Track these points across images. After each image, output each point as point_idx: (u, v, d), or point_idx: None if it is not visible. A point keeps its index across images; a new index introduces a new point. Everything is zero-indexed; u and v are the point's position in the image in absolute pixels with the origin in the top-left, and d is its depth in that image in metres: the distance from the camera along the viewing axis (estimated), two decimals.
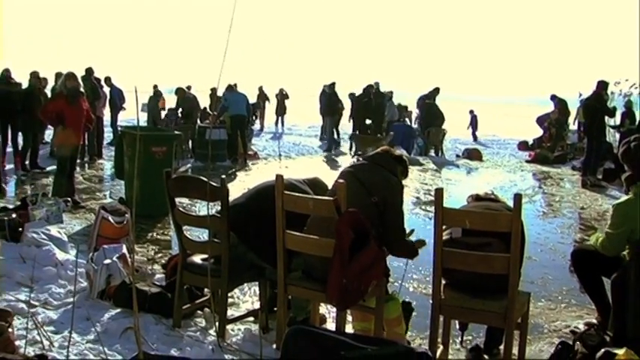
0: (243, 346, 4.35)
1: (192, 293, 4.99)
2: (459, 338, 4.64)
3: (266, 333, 4.59)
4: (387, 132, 18.74)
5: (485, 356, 4.44)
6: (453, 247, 3.84)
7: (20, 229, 6.23)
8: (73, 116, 8.71)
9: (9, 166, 11.95)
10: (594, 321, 4.94)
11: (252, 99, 22.08)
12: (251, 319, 4.90)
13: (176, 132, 10.59)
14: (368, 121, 19.07)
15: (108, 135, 17.03)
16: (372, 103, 18.72)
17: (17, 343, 3.94)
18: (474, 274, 3.80)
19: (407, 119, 22.30)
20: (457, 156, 18.66)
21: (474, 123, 24.97)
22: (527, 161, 17.91)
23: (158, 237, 7.58)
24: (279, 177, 4.05)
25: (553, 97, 19.89)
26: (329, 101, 19.26)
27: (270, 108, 26.76)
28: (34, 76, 12.62)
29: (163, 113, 18.53)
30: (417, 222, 9.07)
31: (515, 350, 4.02)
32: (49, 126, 9.55)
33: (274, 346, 4.28)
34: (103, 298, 5.00)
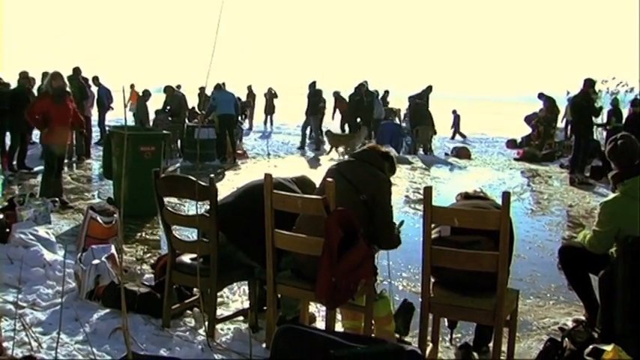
0: (232, 346, 4.34)
1: (182, 293, 4.97)
2: (449, 336, 4.65)
3: (255, 332, 4.59)
4: (376, 130, 18.79)
5: (475, 354, 4.45)
6: (442, 245, 3.84)
7: (8, 229, 6.20)
8: (59, 116, 8.67)
9: None
10: (582, 318, 4.97)
11: (243, 98, 22.14)
12: (240, 318, 4.89)
13: (164, 131, 10.56)
14: (357, 120, 19.08)
15: (96, 135, 16.96)
16: (364, 101, 18.75)
17: (5, 344, 3.92)
18: (463, 272, 3.81)
19: (396, 118, 22.35)
20: (446, 154, 18.70)
21: (456, 122, 25.02)
22: (515, 159, 17.99)
23: (147, 237, 7.55)
24: (267, 176, 4.05)
25: (540, 96, 19.97)
26: (311, 100, 19.24)
27: (259, 107, 26.76)
28: (23, 76, 12.56)
29: (152, 113, 18.45)
30: (406, 220, 9.08)
31: (504, 347, 4.04)
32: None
33: (264, 345, 4.28)
34: (92, 298, 4.98)
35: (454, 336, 4.66)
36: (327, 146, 18.71)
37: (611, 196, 4.60)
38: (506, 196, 3.58)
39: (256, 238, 4.14)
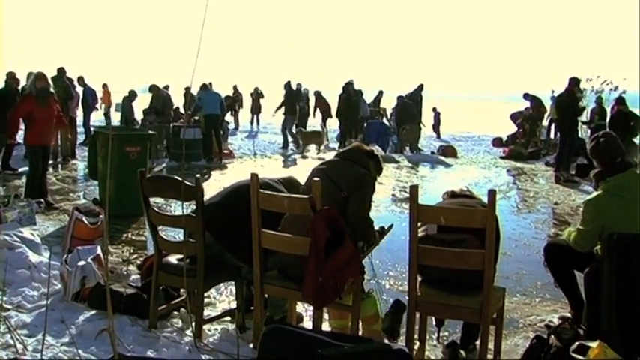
0: (219, 346, 4.33)
1: (168, 294, 4.96)
2: (436, 334, 4.66)
3: (243, 332, 4.58)
4: (362, 130, 18.85)
5: (462, 352, 4.46)
6: (428, 243, 3.85)
7: None
8: (43, 117, 8.62)
9: None
10: (568, 315, 5.00)
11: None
12: (228, 318, 4.88)
13: (150, 131, 10.52)
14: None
15: (81, 135, 16.87)
16: (353, 100, 18.78)
17: None
18: (449, 271, 3.82)
19: (383, 118, 22.39)
20: (432, 153, 18.74)
21: (437, 121, 25.06)
22: (501, 158, 18.07)
23: (133, 237, 7.52)
24: (254, 176, 4.04)
25: (526, 96, 20.10)
26: (287, 100, 19.21)
27: (245, 106, 26.72)
28: (10, 76, 12.47)
29: (138, 113, 18.38)
30: (393, 219, 9.12)
31: (491, 345, 4.05)
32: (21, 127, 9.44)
33: (251, 345, 4.27)
34: (78, 300, 4.95)
35: (441, 334, 4.68)
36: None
37: (594, 194, 4.62)
38: (491, 194, 3.60)
39: (243, 238, 4.13)
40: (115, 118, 17.67)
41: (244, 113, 26.62)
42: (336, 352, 3.31)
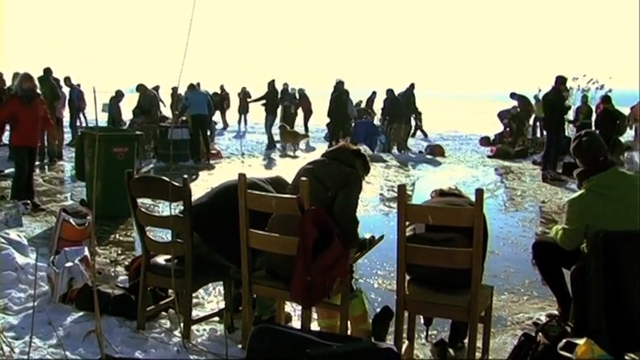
0: (208, 347, 4.32)
1: (156, 294, 4.94)
2: (424, 333, 4.67)
3: (231, 333, 4.57)
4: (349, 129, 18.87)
5: (450, 350, 4.48)
6: (416, 243, 3.86)
7: None
8: (28, 118, 8.57)
9: None
10: (555, 312, 5.02)
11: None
12: (216, 319, 4.87)
13: (137, 132, 10.48)
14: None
15: (67, 136, 16.79)
16: (343, 99, 18.80)
17: None
18: (437, 269, 3.83)
19: (373, 118, 22.43)
20: (420, 152, 18.78)
21: (418, 119, 25.07)
22: (488, 156, 18.13)
23: (121, 238, 7.49)
24: (241, 176, 4.04)
25: (513, 95, 20.20)
26: (269, 99, 19.21)
27: (233, 106, 26.67)
28: None
29: (126, 112, 18.29)
30: (381, 218, 9.14)
31: (479, 343, 4.07)
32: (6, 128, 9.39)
33: (240, 345, 4.26)
34: (65, 301, 4.93)
35: (430, 333, 4.69)
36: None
37: (578, 193, 4.64)
38: (479, 193, 3.61)
39: (231, 239, 4.12)
40: (102, 119, 17.55)
41: (232, 113, 26.57)
42: (324, 352, 3.31)
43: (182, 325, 4.42)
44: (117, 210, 7.81)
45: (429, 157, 17.81)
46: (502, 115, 21.14)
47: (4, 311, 4.80)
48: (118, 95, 18.11)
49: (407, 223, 3.88)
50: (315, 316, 4.53)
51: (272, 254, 4.04)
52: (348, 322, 4.20)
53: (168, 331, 4.58)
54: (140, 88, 16.88)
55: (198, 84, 18.19)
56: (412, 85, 19.36)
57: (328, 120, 19.16)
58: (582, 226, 4.37)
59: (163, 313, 4.88)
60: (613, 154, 12.41)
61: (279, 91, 19.71)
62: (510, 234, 8.39)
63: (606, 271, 4.03)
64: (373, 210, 9.66)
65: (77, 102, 16.66)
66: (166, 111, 20.06)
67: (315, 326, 4.47)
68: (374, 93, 23.70)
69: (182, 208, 4.37)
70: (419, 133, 23.04)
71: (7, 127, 9.19)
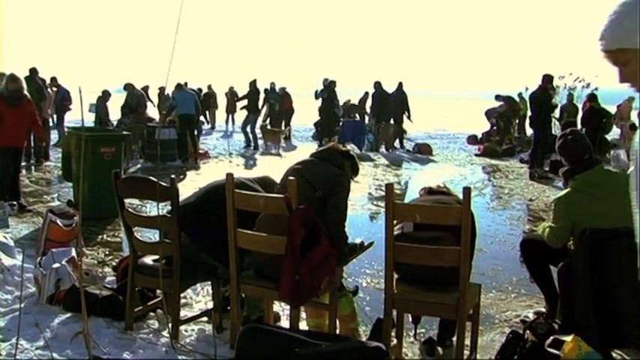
0: (197, 347, 4.31)
1: (144, 295, 4.92)
2: (413, 331, 4.68)
3: (220, 333, 4.56)
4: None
5: (439, 348, 4.49)
6: (404, 241, 3.86)
7: None
8: (13, 119, 8.52)
9: None
10: (543, 310, 5.04)
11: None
12: (204, 319, 4.86)
13: (124, 132, 10.44)
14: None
15: (54, 136, 16.70)
16: (335, 99, 18.83)
17: None
18: (425, 268, 3.83)
19: (357, 115, 22.44)
20: (408, 151, 18.82)
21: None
22: (476, 155, 18.21)
23: (108, 239, 7.46)
24: (229, 175, 4.03)
25: (497, 97, 20.33)
26: (250, 98, 19.23)
27: (220, 106, 26.63)
28: None
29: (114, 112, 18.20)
30: (369, 217, 9.14)
31: (467, 341, 4.07)
32: None
33: (228, 345, 4.25)
34: (53, 303, 4.90)
35: (418, 331, 4.70)
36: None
37: (564, 191, 4.66)
38: (466, 191, 3.62)
39: (219, 238, 4.12)
40: (89, 119, 17.46)
41: (220, 113, 26.52)
42: (313, 351, 3.31)
43: (170, 325, 4.40)
44: (104, 210, 7.78)
45: (417, 155, 17.85)
46: (489, 114, 21.23)
47: None
48: (105, 95, 18.03)
49: (395, 221, 3.89)
50: (303, 315, 4.53)
51: (260, 254, 4.04)
52: (337, 321, 4.21)
53: (156, 332, 4.57)
54: (128, 87, 16.81)
55: (186, 83, 18.14)
56: (400, 84, 19.38)
57: (316, 119, 19.19)
58: (569, 224, 4.40)
59: (151, 313, 4.87)
60: (599, 152, 12.49)
61: (262, 90, 19.76)
62: (498, 232, 8.42)
63: (593, 268, 4.06)
64: (361, 209, 9.67)
65: (62, 102, 16.52)
66: (154, 112, 19.99)
67: (303, 325, 4.47)
68: (366, 94, 23.78)
69: (170, 208, 4.36)
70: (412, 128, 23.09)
71: None
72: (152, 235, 6.23)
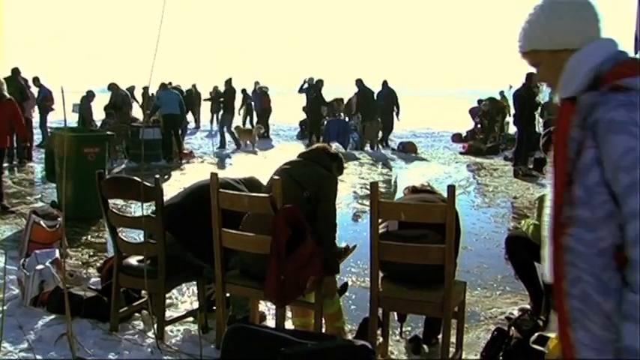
0: (182, 347, 4.30)
1: (129, 296, 4.90)
2: (398, 329, 4.69)
3: (205, 333, 4.55)
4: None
5: (425, 346, 4.51)
6: (389, 240, 3.87)
7: None
8: None
9: None
10: (528, 307, 5.07)
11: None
12: (190, 319, 4.85)
13: (108, 132, 10.39)
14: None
15: (37, 137, 16.59)
16: (321, 98, 18.82)
17: None
18: (411, 266, 3.84)
19: (342, 114, 22.45)
20: (392, 149, 18.85)
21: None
22: (461, 153, 18.26)
23: (93, 240, 7.42)
24: (213, 175, 4.02)
25: (480, 102, 20.53)
26: (226, 98, 19.22)
27: (205, 106, 26.55)
28: None
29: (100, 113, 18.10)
30: (355, 216, 9.15)
31: (453, 339, 4.09)
32: None
33: (214, 345, 4.25)
34: (37, 304, 4.87)
35: (404, 329, 4.72)
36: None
37: (548, 188, 4.69)
38: (451, 189, 3.63)
39: (204, 238, 4.11)
40: (72, 119, 17.34)
41: (205, 112, 26.43)
42: (299, 350, 3.31)
43: (156, 326, 4.39)
44: (88, 211, 7.76)
45: (402, 154, 17.89)
46: (474, 112, 21.32)
47: None
48: (89, 95, 17.92)
49: (380, 220, 3.89)
50: (289, 314, 4.53)
51: (245, 253, 4.04)
52: (323, 320, 4.21)
53: (141, 333, 4.55)
54: (112, 86, 16.73)
55: (170, 83, 18.06)
56: (385, 82, 19.37)
57: (301, 119, 19.19)
58: None
59: (137, 314, 4.85)
60: None
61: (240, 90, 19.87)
62: (483, 230, 8.45)
63: None
64: (346, 208, 9.67)
65: (44, 102, 16.42)
66: (139, 112, 19.90)
67: (289, 325, 4.47)
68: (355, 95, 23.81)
69: (154, 208, 4.35)
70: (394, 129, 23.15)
71: None
72: (137, 236, 6.20)
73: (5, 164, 10.06)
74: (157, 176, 4.37)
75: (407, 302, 3.93)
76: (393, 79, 19.47)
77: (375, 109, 18.56)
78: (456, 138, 21.62)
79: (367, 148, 18.49)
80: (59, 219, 6.39)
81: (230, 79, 19.25)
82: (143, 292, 4.88)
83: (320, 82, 18.82)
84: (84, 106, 17.80)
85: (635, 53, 10.02)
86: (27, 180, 12.00)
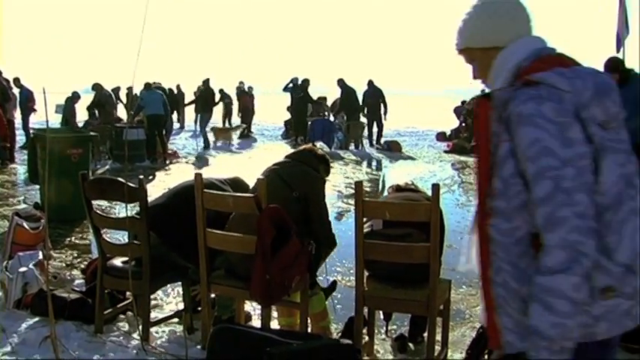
0: (168, 348, 4.29)
1: (114, 297, 4.87)
2: (384, 328, 4.70)
3: (191, 334, 4.54)
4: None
5: (410, 344, 4.52)
6: (374, 239, 3.88)
7: None
8: None
9: None
10: None
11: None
12: (175, 320, 4.83)
13: (92, 133, 10.33)
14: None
15: (21, 138, 16.47)
16: (309, 98, 18.83)
17: None
18: (396, 265, 3.85)
19: (326, 113, 22.46)
20: (377, 148, 18.88)
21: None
22: (445, 152, 18.33)
23: (77, 241, 7.37)
24: (198, 175, 4.02)
25: (463, 102, 20.65)
26: (202, 98, 19.23)
27: (189, 106, 26.51)
28: None
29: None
30: (339, 215, 9.16)
31: (438, 337, 4.11)
32: None
33: (200, 346, 4.24)
34: (20, 307, 4.83)
35: (389, 328, 4.71)
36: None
37: None
38: (435, 188, 3.64)
39: (189, 239, 4.10)
40: (55, 120, 17.23)
41: (189, 113, 26.35)
42: (284, 350, 3.31)
43: (141, 327, 4.37)
44: (72, 213, 7.71)
45: (386, 152, 17.92)
46: (458, 111, 21.40)
47: None
48: (74, 97, 17.76)
49: (365, 219, 3.90)
50: (275, 314, 4.53)
51: (231, 254, 4.04)
52: (308, 320, 4.21)
53: (126, 334, 4.53)
54: (96, 86, 16.63)
55: (154, 83, 17.98)
56: (371, 82, 19.38)
57: (285, 118, 19.18)
58: None
59: (121, 315, 4.82)
60: None
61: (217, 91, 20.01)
62: (467, 228, 8.45)
63: None
64: (331, 207, 9.61)
65: (26, 103, 16.30)
66: (124, 112, 19.80)
67: (275, 325, 4.47)
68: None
69: (139, 209, 4.33)
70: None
71: None
72: (121, 237, 6.17)
73: None
74: (141, 177, 4.36)
75: (392, 301, 3.94)
76: (377, 78, 19.48)
77: (358, 108, 18.59)
78: (441, 137, 21.70)
79: (352, 147, 18.50)
80: (42, 221, 6.35)
81: (208, 80, 19.26)
82: (128, 293, 4.85)
83: (306, 82, 18.82)
84: (68, 107, 17.65)
85: (618, 51, 10.15)
86: (9, 182, 11.90)
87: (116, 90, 19.46)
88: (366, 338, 4.20)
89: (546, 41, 2.03)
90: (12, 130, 14.17)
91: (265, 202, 3.73)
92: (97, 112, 17.00)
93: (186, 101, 23.93)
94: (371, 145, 19.21)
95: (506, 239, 1.90)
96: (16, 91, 15.75)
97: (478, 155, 1.96)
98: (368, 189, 11.49)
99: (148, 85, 16.09)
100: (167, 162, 15.00)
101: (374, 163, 16.00)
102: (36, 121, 17.06)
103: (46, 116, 2.70)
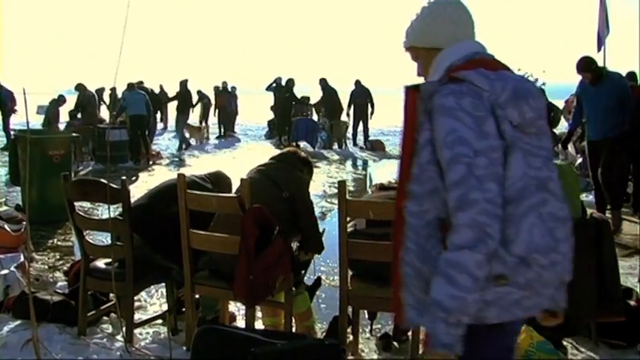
0: (152, 350, 4.27)
1: (97, 299, 4.85)
2: (369, 327, 4.71)
3: (175, 335, 4.52)
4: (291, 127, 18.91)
5: (395, 343, 4.53)
6: (357, 238, 3.88)
7: None
8: None
9: None
10: None
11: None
12: (159, 321, 4.81)
13: (74, 134, 10.25)
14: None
15: (1, 139, 16.33)
16: (295, 98, 18.81)
17: None
18: (380, 264, 3.85)
19: (309, 113, 22.46)
20: (361, 148, 18.90)
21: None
22: None
23: (59, 243, 7.32)
24: (180, 175, 4.01)
25: None
26: (180, 99, 19.26)
27: (172, 106, 26.40)
28: None
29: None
30: (322, 214, 9.15)
31: (422, 335, 4.11)
32: None
33: (184, 347, 4.23)
34: (2, 310, 4.80)
35: (374, 327, 4.73)
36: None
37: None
38: None
39: (172, 239, 4.09)
40: (37, 121, 17.07)
41: (172, 113, 26.25)
42: (269, 350, 3.31)
43: (124, 329, 4.35)
44: (54, 214, 7.66)
45: (370, 152, 17.95)
46: None
47: None
48: (60, 100, 17.57)
49: (348, 219, 3.91)
50: (259, 314, 4.52)
51: (215, 254, 4.03)
52: (293, 320, 4.21)
53: (110, 336, 4.51)
54: (79, 87, 16.53)
55: (137, 83, 17.87)
56: (358, 81, 19.35)
57: (269, 118, 19.16)
58: None
59: (105, 317, 4.80)
60: None
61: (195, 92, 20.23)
62: None
63: None
64: (315, 207, 9.62)
65: (9, 103, 16.16)
66: (107, 113, 19.69)
67: (259, 325, 4.47)
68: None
69: (121, 210, 4.31)
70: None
71: None
72: (104, 238, 6.14)
73: None
74: (124, 178, 4.34)
75: (376, 300, 3.94)
76: (360, 77, 19.49)
77: (341, 107, 18.61)
78: None
79: (335, 146, 18.51)
80: (24, 223, 6.30)
81: (186, 81, 19.29)
82: (111, 295, 4.83)
83: (291, 82, 18.81)
84: (51, 109, 17.47)
85: (598, 51, 10.25)
86: None
87: (100, 91, 19.31)
88: (351, 337, 4.21)
89: (485, 47, 2.20)
90: None
91: (249, 203, 3.73)
92: (78, 113, 16.86)
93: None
94: (354, 144, 19.23)
95: (416, 221, 2.03)
96: None
97: (403, 141, 2.11)
98: (352, 188, 11.49)
99: (130, 86, 15.99)
100: (150, 163, 14.93)
101: (358, 163, 16.02)
102: (17, 122, 16.92)
103: (26, 117, 2.68)
